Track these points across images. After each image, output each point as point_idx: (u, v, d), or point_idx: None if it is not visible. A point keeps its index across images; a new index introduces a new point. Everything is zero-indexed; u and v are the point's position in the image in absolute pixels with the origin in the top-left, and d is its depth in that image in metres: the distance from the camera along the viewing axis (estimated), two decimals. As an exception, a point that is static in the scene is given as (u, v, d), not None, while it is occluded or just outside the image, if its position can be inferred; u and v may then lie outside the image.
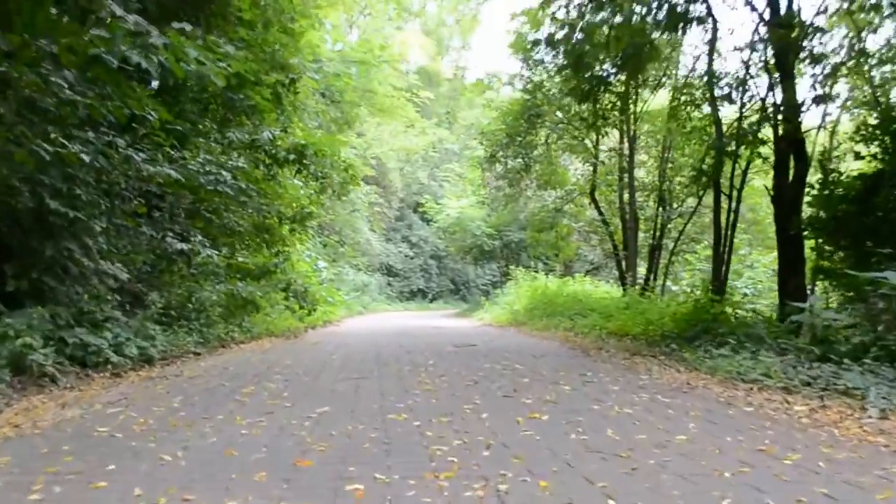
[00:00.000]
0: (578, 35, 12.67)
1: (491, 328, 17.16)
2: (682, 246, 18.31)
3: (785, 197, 10.99)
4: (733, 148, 11.79)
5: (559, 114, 18.94)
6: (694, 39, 40.73)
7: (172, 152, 9.45)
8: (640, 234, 18.38)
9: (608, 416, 4.74)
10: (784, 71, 10.94)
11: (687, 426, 4.37)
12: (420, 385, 6.22)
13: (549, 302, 18.18)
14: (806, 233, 10.37)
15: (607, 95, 16.04)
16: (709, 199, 18.42)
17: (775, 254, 19.99)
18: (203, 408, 5.07)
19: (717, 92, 12.13)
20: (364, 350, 9.87)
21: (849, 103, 15.09)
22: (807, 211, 10.79)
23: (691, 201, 18.47)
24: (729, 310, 10.46)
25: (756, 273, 19.06)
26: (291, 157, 12.81)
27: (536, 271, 23.12)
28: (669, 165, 17.88)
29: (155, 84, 9.31)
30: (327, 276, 21.50)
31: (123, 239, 9.02)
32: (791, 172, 10.95)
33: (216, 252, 10.77)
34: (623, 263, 17.97)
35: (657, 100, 18.70)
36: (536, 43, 17.46)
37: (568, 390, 5.90)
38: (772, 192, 11.15)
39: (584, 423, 4.43)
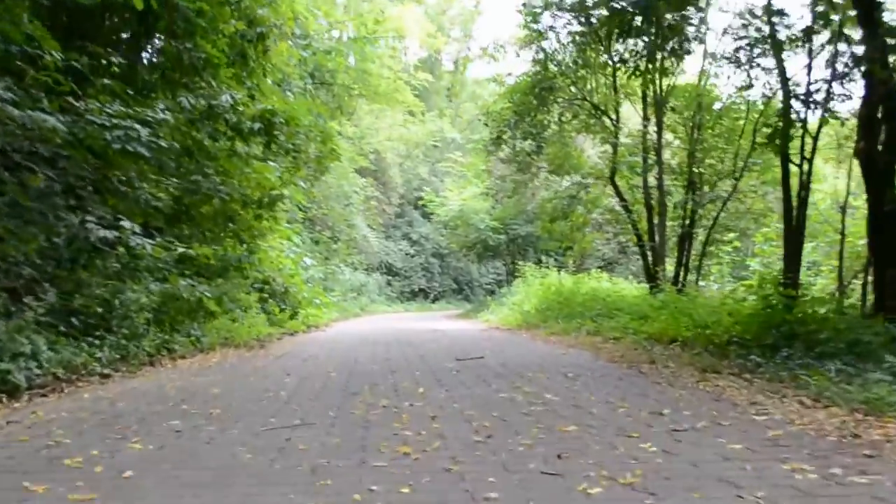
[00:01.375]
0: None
1: (499, 332, 14.54)
2: (715, 235, 15.66)
3: (876, 165, 8.38)
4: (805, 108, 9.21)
5: (574, 89, 16.34)
6: None
7: (79, 104, 6.87)
8: (667, 223, 15.77)
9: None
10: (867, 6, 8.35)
11: None
12: (395, 442, 3.61)
13: (565, 301, 15.56)
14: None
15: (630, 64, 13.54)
16: (744, 182, 15.86)
17: (814, 242, 17.48)
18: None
19: (781, 34, 9.51)
20: (336, 367, 7.27)
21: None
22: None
23: (722, 186, 15.89)
24: (818, 309, 7.84)
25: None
26: (257, 126, 10.22)
27: (546, 267, 20.44)
28: (699, 147, 15.26)
29: None
30: (314, 274, 18.89)
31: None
32: (882, 136, 8.39)
33: (150, 242, 8.18)
34: (649, 256, 15.35)
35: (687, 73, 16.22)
36: (548, 6, 14.94)
37: (653, 453, 3.29)
38: (859, 162, 8.57)
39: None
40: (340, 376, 6.46)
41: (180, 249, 8.62)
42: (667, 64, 14.74)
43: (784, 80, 9.50)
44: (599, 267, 23.94)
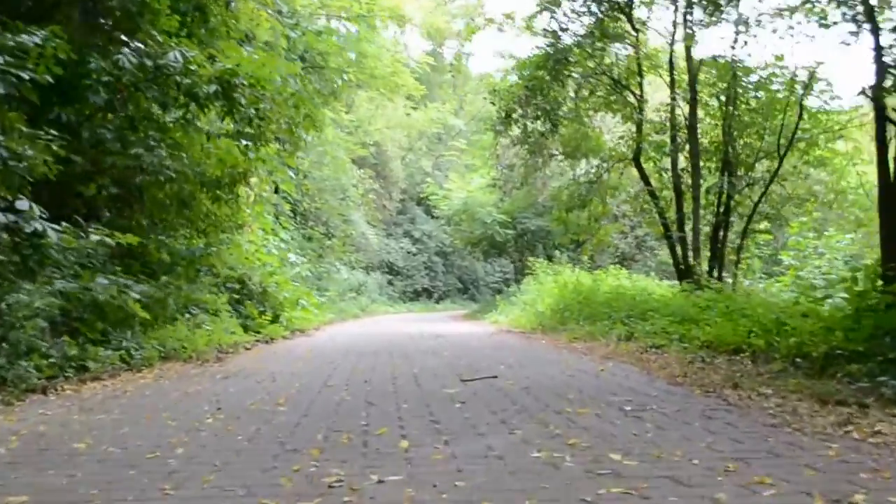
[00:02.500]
0: None
1: (511, 336, 12.42)
2: (753, 225, 13.49)
3: None
4: None
5: (591, 63, 14.20)
6: None
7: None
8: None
9: None
10: None
11: None
12: None
13: (585, 300, 13.42)
14: None
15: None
16: (788, 162, 13.69)
17: (850, 235, 15.28)
18: None
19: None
20: (292, 395, 5.16)
21: None
22: None
23: (759, 168, 13.75)
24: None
25: (826, 259, 14.14)
26: (213, 89, 8.12)
27: (558, 263, 18.26)
28: (735, 123, 13.13)
29: None
30: (303, 273, 16.80)
31: None
32: None
33: (54, 227, 6.08)
34: (678, 249, 13.21)
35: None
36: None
37: None
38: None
39: None
40: (291, 413, 4.34)
41: (96, 237, 6.48)
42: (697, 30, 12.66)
43: (869, 10, 7.36)
44: (613, 263, 21.73)
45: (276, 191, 19.10)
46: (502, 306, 19.41)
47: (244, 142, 10.02)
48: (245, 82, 8.20)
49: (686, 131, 13.36)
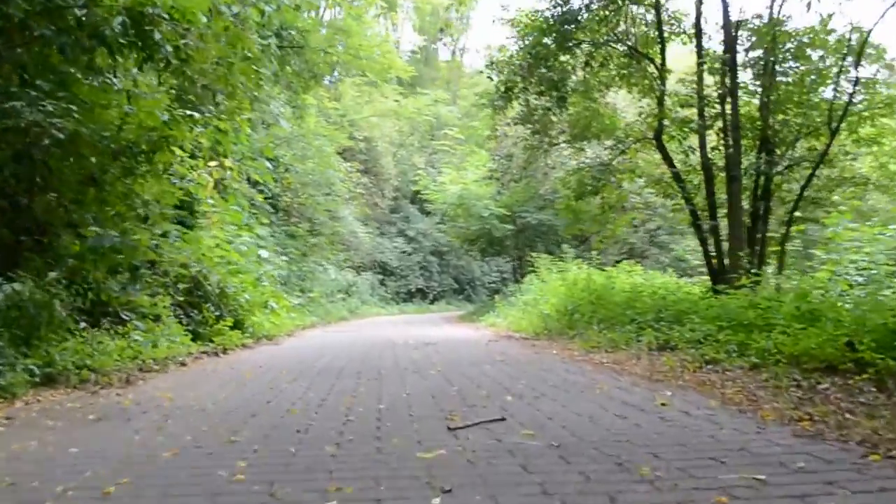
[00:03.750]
0: None
1: (514, 344, 10.25)
2: (799, 212, 11.37)
3: None
4: None
5: (604, 29, 12.09)
6: None
7: None
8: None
9: None
10: None
11: None
12: None
13: (599, 301, 11.27)
14: None
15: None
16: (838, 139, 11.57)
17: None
18: None
19: None
20: (142, 480, 2.96)
21: None
22: None
23: (802, 146, 11.68)
24: None
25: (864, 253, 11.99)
26: (120, 21, 5.94)
27: (561, 259, 16.03)
28: (775, 95, 11.03)
29: None
30: (275, 271, 14.61)
31: None
32: None
33: None
34: (709, 241, 11.10)
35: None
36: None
37: None
38: None
39: None
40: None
41: None
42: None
43: None
44: (619, 260, 19.51)
45: (254, 183, 17.00)
46: (501, 307, 17.24)
47: (190, 113, 7.91)
48: (163, 14, 6.01)
49: (716, 105, 11.24)
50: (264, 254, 13.23)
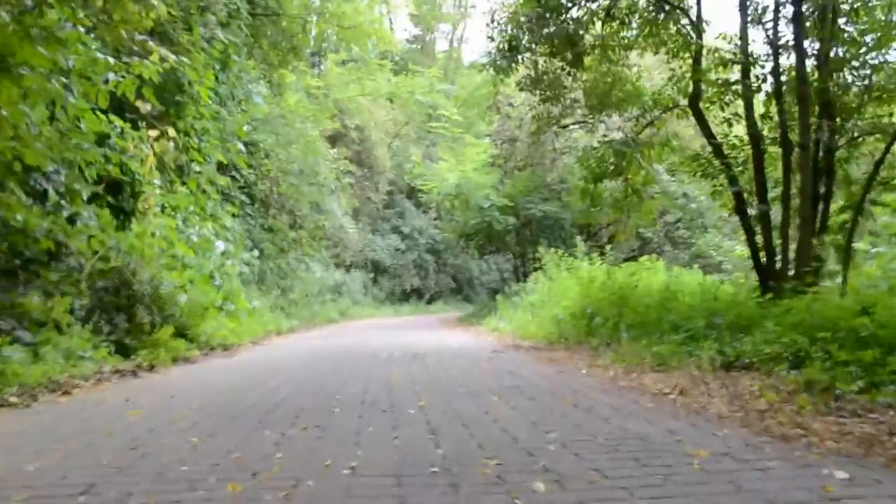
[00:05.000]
0: None
1: (524, 356, 8.11)
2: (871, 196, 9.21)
3: None
4: None
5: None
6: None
7: None
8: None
9: None
10: None
11: None
12: None
13: (623, 302, 9.16)
14: None
15: None
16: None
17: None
18: None
19: None
20: None
21: None
22: None
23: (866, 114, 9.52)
24: None
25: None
26: None
27: (572, 256, 13.84)
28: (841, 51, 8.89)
29: None
30: (245, 268, 12.47)
31: None
32: None
33: None
34: (757, 231, 8.97)
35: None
36: None
37: None
38: None
39: None
40: None
41: None
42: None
43: None
44: (628, 258, 17.32)
45: (225, 168, 14.86)
46: (503, 309, 15.10)
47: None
48: None
49: (763, 65, 9.11)
50: (221, 245, 11.06)
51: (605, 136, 10.83)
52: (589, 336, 9.04)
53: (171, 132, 9.34)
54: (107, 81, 6.96)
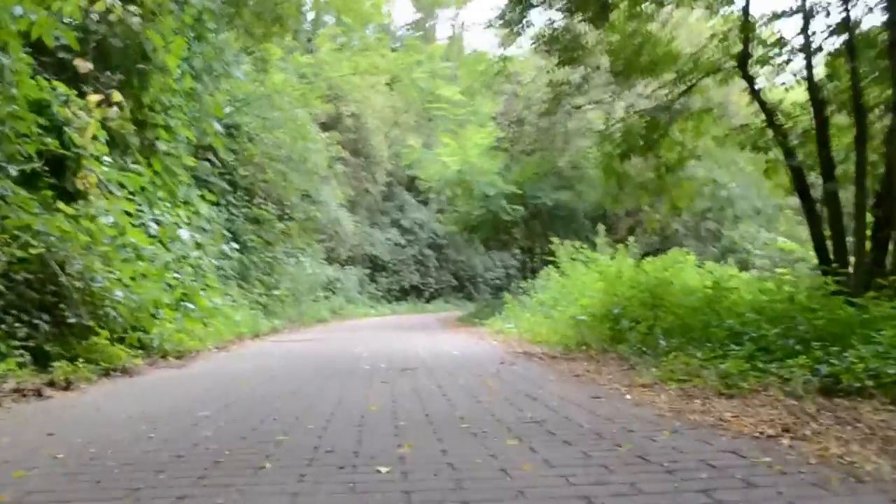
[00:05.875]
0: None
1: (539, 369, 6.58)
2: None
3: None
4: None
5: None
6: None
7: None
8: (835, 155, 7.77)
9: None
10: None
11: None
12: None
13: (658, 301, 7.66)
14: None
15: None
16: None
17: None
18: None
19: None
20: None
21: None
22: None
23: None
24: None
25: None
26: None
27: (585, 247, 12.25)
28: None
29: None
30: (220, 261, 10.96)
31: None
32: None
33: None
34: (823, 216, 7.44)
35: None
36: None
37: None
38: None
39: None
40: None
41: None
42: None
43: None
44: (647, 252, 15.71)
45: (200, 149, 13.43)
46: (511, 309, 13.59)
47: None
48: None
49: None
50: (185, 234, 9.53)
51: (631, 106, 9.26)
52: (614, 341, 7.55)
53: (117, 96, 7.83)
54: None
